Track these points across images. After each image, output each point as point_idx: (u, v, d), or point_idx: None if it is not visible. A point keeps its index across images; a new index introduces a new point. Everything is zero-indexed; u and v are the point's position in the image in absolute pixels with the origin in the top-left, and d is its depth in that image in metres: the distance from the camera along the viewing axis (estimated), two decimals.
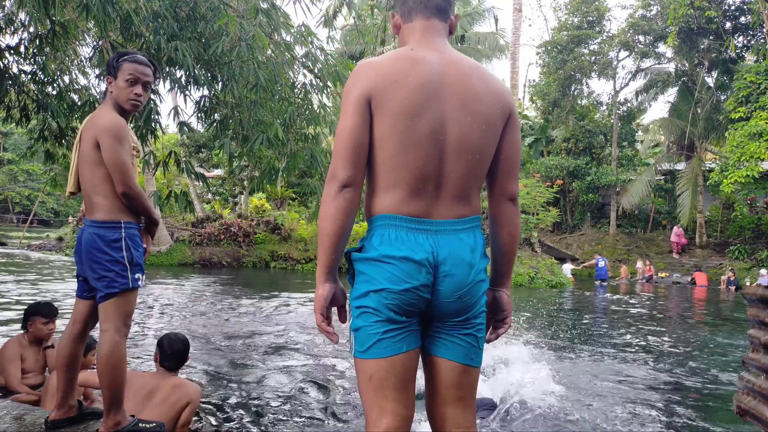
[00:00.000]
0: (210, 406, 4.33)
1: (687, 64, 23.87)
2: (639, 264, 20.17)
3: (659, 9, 24.02)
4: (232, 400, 4.52)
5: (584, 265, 20.36)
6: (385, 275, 1.50)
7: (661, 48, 25.12)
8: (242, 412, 4.28)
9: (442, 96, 1.53)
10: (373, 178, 1.56)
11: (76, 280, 2.56)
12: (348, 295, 1.60)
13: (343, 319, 1.62)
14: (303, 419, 4.20)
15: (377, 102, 1.50)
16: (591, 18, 25.18)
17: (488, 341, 1.73)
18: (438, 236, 1.53)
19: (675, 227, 22.07)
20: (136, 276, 2.44)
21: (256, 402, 4.52)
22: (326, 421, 4.19)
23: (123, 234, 2.41)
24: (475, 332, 1.61)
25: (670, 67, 25.59)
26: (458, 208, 1.57)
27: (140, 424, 2.49)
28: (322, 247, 1.53)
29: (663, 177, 25.58)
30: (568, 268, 19.12)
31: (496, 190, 1.68)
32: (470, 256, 1.55)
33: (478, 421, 3.99)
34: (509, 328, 1.77)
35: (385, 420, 1.49)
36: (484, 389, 4.71)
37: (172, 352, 3.14)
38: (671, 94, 26.50)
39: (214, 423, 4.01)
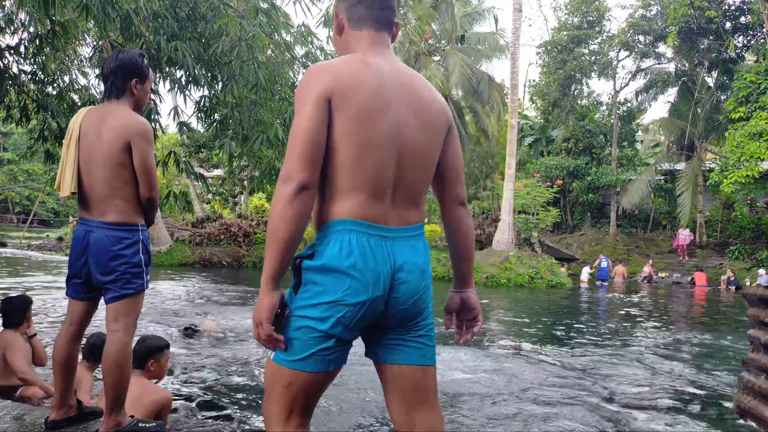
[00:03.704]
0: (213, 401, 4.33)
1: (687, 64, 23.87)
2: (646, 268, 20.15)
3: (659, 9, 24.04)
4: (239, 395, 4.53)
5: (595, 266, 20.31)
6: (342, 286, 1.44)
7: (661, 48, 25.16)
8: (247, 412, 4.28)
9: (395, 103, 1.53)
10: (329, 181, 1.50)
11: (66, 282, 2.52)
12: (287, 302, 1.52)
13: (279, 330, 1.50)
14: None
15: (336, 103, 1.47)
16: (591, 18, 25.20)
17: (465, 342, 1.78)
18: (395, 243, 1.51)
19: (683, 230, 21.89)
20: (148, 278, 2.48)
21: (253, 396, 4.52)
22: (329, 418, 4.19)
23: (141, 237, 2.44)
24: (426, 332, 1.63)
25: (670, 67, 25.62)
26: (411, 214, 1.58)
27: (140, 424, 2.49)
28: (273, 253, 1.43)
29: (663, 177, 25.58)
30: (586, 271, 19.35)
31: (448, 197, 1.71)
32: (422, 263, 1.58)
33: None
34: (481, 325, 1.80)
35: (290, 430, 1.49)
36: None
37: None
38: (671, 94, 26.55)
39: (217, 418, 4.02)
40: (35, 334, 3.97)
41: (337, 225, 1.48)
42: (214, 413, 4.22)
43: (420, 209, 1.63)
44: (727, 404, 5.03)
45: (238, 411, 4.32)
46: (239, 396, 4.74)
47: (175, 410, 3.77)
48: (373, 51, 1.60)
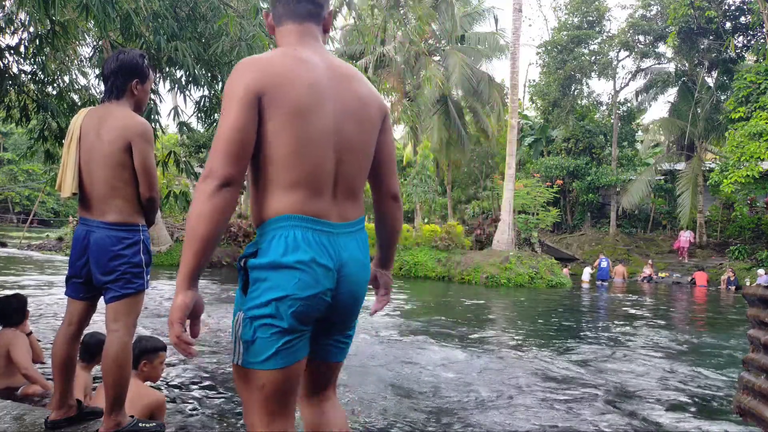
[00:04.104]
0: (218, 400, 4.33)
1: (687, 64, 23.88)
2: (646, 269, 20.18)
3: (659, 9, 24.05)
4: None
5: (595, 266, 20.33)
6: (292, 281, 1.42)
7: (661, 48, 25.16)
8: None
9: (330, 97, 1.53)
10: (266, 177, 1.48)
11: (66, 281, 2.53)
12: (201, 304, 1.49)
13: (195, 334, 1.47)
14: None
15: (269, 99, 1.44)
16: (591, 18, 25.21)
17: (372, 313, 1.88)
18: (338, 238, 1.52)
19: (684, 231, 21.85)
20: (148, 278, 2.48)
21: None
22: None
23: (141, 237, 2.45)
24: (352, 332, 1.70)
25: (670, 67, 25.62)
26: (351, 209, 1.59)
27: (140, 425, 2.49)
28: (192, 251, 1.39)
29: (663, 177, 25.58)
30: (587, 271, 19.45)
31: (382, 190, 1.74)
32: (364, 257, 1.60)
33: None
34: (389, 301, 1.89)
35: None
36: None
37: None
38: (671, 94, 26.56)
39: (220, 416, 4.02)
40: (31, 332, 4.00)
41: (280, 221, 1.46)
42: (208, 411, 4.22)
43: (359, 204, 1.63)
44: (727, 404, 5.03)
45: (234, 407, 4.32)
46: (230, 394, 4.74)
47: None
48: (302, 44, 1.59)
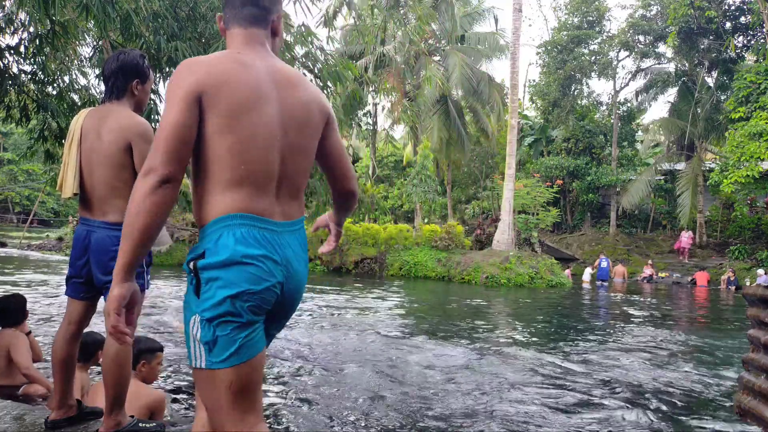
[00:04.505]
0: None
1: (687, 64, 23.88)
2: (647, 270, 20.19)
3: (659, 9, 24.06)
4: None
5: (595, 266, 20.33)
6: (245, 276, 1.44)
7: (661, 48, 25.17)
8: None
9: (271, 100, 1.56)
10: (208, 177, 1.50)
11: (66, 281, 2.53)
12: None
13: (130, 322, 1.51)
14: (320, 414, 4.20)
15: (210, 99, 1.47)
16: (591, 18, 25.22)
17: (321, 252, 1.97)
18: (282, 237, 1.55)
19: (685, 232, 21.84)
20: (149, 278, 2.48)
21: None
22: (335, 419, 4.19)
23: None
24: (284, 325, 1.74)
25: (670, 67, 25.63)
26: (293, 208, 1.63)
27: (140, 425, 2.49)
28: (129, 245, 1.43)
29: (663, 177, 25.59)
30: (588, 272, 19.48)
31: (343, 190, 1.83)
32: (304, 254, 1.64)
33: None
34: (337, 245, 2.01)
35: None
36: None
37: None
38: (671, 94, 26.57)
39: None
40: (30, 332, 4.01)
41: (226, 220, 1.48)
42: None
43: (301, 203, 1.68)
44: (727, 404, 5.03)
45: None
46: None
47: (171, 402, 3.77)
48: (246, 48, 1.62)
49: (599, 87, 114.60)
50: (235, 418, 1.47)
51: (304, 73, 5.49)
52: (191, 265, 1.48)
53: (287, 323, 1.74)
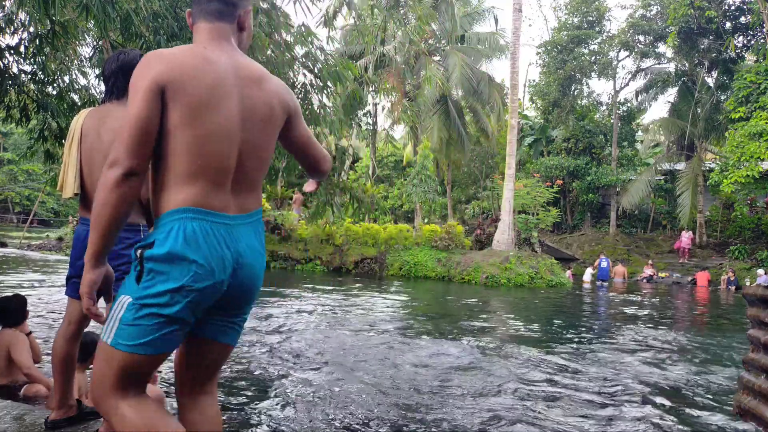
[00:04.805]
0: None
1: (687, 64, 23.90)
2: (647, 270, 20.21)
3: (659, 9, 24.07)
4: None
5: (595, 266, 20.36)
6: (187, 274, 1.47)
7: (661, 48, 25.19)
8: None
9: (233, 96, 1.57)
10: (166, 169, 1.52)
11: (66, 281, 2.52)
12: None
13: (108, 299, 1.60)
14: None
15: (172, 93, 1.48)
16: (591, 18, 25.23)
17: (308, 190, 2.07)
18: (235, 229, 1.56)
19: (686, 232, 21.82)
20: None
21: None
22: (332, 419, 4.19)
23: (142, 237, 2.45)
24: (245, 317, 1.75)
25: (670, 67, 25.65)
26: (249, 201, 1.64)
27: None
28: (97, 235, 1.48)
29: (663, 177, 25.60)
30: (589, 272, 19.55)
31: (312, 171, 1.93)
32: (260, 246, 1.66)
33: None
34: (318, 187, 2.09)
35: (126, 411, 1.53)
36: None
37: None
38: (671, 94, 26.59)
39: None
40: (31, 332, 4.01)
41: (179, 213, 1.49)
42: None
43: (258, 195, 1.69)
44: (727, 404, 5.03)
45: (230, 400, 4.33)
46: (221, 390, 4.74)
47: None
48: (211, 43, 1.64)
49: (599, 87, 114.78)
50: (117, 393, 1.52)
51: (304, 74, 5.49)
52: (138, 252, 1.51)
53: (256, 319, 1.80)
